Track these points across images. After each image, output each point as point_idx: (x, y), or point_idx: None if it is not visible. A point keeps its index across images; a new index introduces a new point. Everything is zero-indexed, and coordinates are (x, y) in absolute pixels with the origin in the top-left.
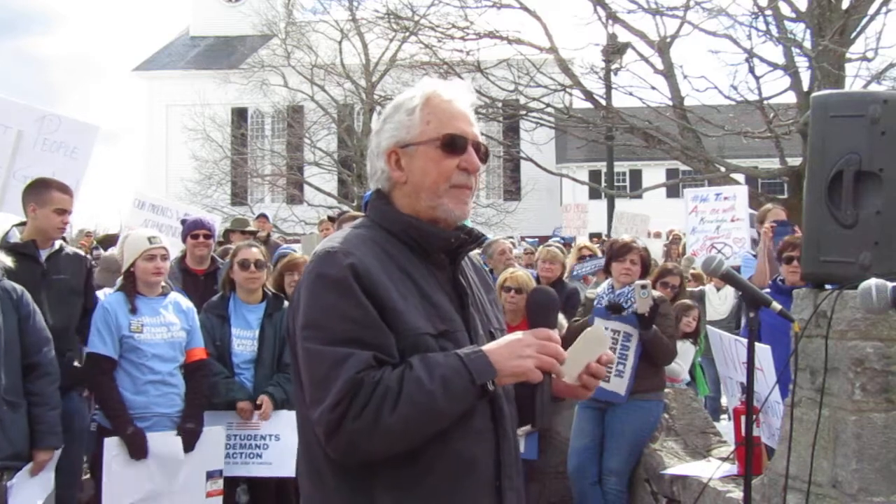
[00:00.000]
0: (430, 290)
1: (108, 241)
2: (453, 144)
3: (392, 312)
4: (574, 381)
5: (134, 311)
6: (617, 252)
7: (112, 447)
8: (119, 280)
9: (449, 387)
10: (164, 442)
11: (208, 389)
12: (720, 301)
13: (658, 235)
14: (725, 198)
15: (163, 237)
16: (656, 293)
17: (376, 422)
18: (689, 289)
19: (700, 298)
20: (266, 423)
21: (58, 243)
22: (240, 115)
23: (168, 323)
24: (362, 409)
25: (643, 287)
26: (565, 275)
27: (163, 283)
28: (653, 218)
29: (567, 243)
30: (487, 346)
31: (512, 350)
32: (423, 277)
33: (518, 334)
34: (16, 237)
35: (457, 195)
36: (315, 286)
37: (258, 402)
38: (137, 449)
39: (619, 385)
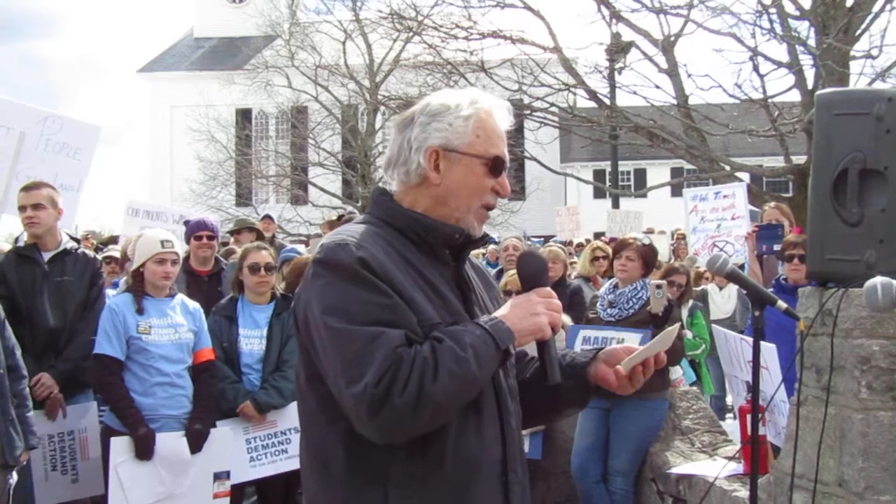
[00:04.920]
0: (437, 283)
1: (112, 242)
2: (496, 167)
3: (407, 301)
4: (626, 371)
5: (141, 311)
6: (615, 250)
7: (118, 448)
8: (124, 280)
9: (479, 353)
10: (170, 443)
11: (218, 393)
12: (723, 300)
13: (662, 233)
14: (725, 196)
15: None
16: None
17: (420, 395)
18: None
19: (703, 298)
20: (282, 418)
21: (65, 245)
22: (244, 115)
23: (175, 324)
24: (406, 384)
25: (658, 287)
26: (568, 275)
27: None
28: (657, 217)
29: (575, 244)
30: (501, 312)
31: (524, 311)
32: (429, 272)
33: (521, 296)
34: (24, 241)
35: (482, 215)
36: (331, 275)
37: (238, 411)
38: (143, 450)
39: None
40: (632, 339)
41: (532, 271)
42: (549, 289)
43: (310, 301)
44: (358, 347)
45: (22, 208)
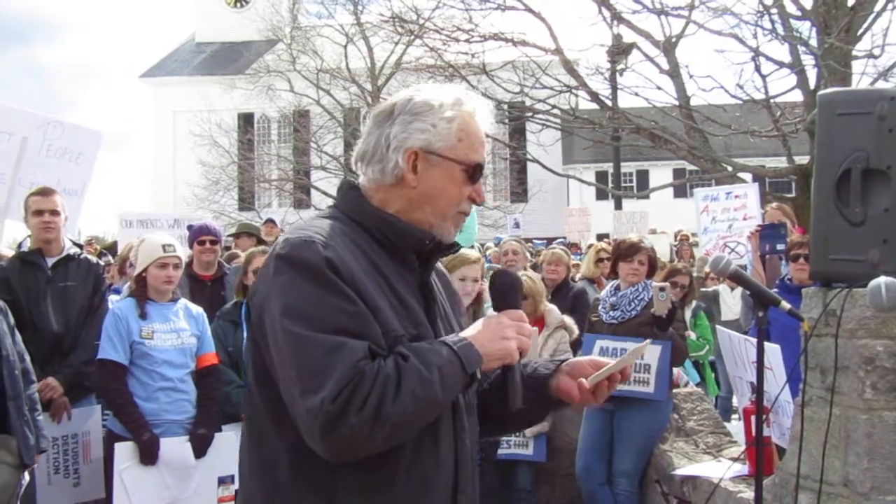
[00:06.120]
0: (402, 291)
1: (114, 248)
2: (475, 174)
3: (371, 309)
4: (591, 385)
5: (144, 316)
6: (625, 252)
7: (123, 454)
8: (127, 286)
9: (445, 377)
10: (174, 448)
11: (222, 398)
12: (734, 301)
13: (664, 234)
14: (736, 196)
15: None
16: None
17: (378, 415)
18: (702, 289)
19: (714, 298)
20: None
21: (68, 250)
22: (246, 120)
23: (178, 329)
24: (365, 401)
25: (662, 290)
26: (579, 275)
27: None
28: (660, 218)
29: (574, 244)
30: (469, 333)
31: (493, 333)
32: (395, 277)
33: (492, 317)
34: (27, 247)
35: (458, 221)
36: (294, 273)
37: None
38: (147, 455)
39: (645, 390)
40: (652, 351)
41: (504, 292)
42: (521, 312)
43: (268, 297)
44: (317, 356)
45: (38, 213)
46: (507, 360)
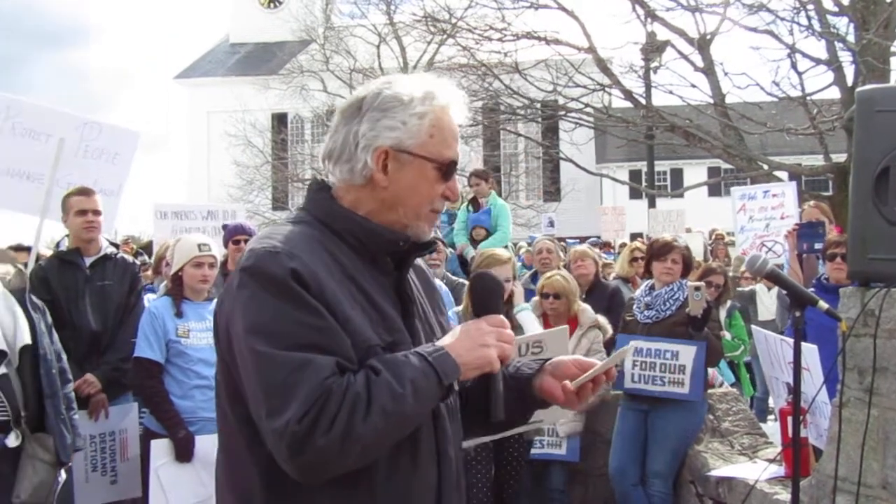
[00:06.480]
0: (376, 296)
1: (150, 247)
2: (449, 172)
3: (341, 321)
4: (576, 387)
5: (180, 315)
6: (658, 251)
7: (159, 451)
8: (163, 284)
9: (418, 390)
10: (210, 445)
11: None
12: (771, 300)
13: (700, 233)
14: (774, 195)
15: (212, 244)
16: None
17: (348, 434)
18: (738, 288)
19: (751, 298)
20: None
21: (105, 250)
22: (280, 120)
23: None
24: (333, 421)
25: (697, 289)
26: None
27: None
28: (695, 217)
29: (607, 244)
30: (446, 341)
31: (472, 341)
32: (368, 282)
33: (471, 323)
34: (65, 246)
35: (432, 220)
36: (258, 287)
37: None
38: (183, 452)
39: (680, 391)
40: (687, 352)
41: (484, 295)
42: (501, 317)
43: (233, 314)
44: (283, 375)
45: (82, 212)
46: (487, 368)
